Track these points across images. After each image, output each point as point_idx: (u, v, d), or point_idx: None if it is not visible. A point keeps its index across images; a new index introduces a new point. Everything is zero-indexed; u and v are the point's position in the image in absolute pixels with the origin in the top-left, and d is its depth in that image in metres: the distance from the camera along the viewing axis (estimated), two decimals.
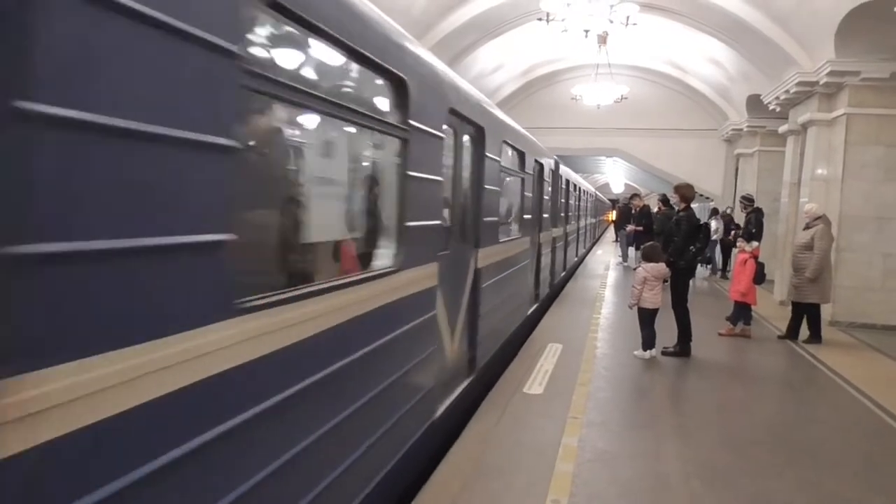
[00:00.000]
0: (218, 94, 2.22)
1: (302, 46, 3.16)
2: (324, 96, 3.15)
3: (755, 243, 10.59)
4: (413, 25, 11.98)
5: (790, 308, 10.29)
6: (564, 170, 14.90)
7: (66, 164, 1.66)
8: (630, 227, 18.93)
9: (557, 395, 6.67)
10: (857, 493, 4.81)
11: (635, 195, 19.64)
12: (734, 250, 10.92)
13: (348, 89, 3.81)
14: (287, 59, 3.10)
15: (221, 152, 2.24)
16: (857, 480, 5.03)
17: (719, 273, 18.47)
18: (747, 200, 14.93)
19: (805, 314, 9.97)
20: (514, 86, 22.19)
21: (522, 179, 8.97)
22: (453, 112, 5.26)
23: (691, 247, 8.59)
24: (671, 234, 8.73)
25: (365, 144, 4.40)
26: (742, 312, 10.21)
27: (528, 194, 9.47)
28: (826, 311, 11.67)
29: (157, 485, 1.99)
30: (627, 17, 12.71)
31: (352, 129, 3.91)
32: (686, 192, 8.90)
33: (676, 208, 9.10)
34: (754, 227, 14.00)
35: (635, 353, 8.48)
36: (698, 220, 8.96)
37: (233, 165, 2.30)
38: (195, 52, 2.10)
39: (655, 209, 17.46)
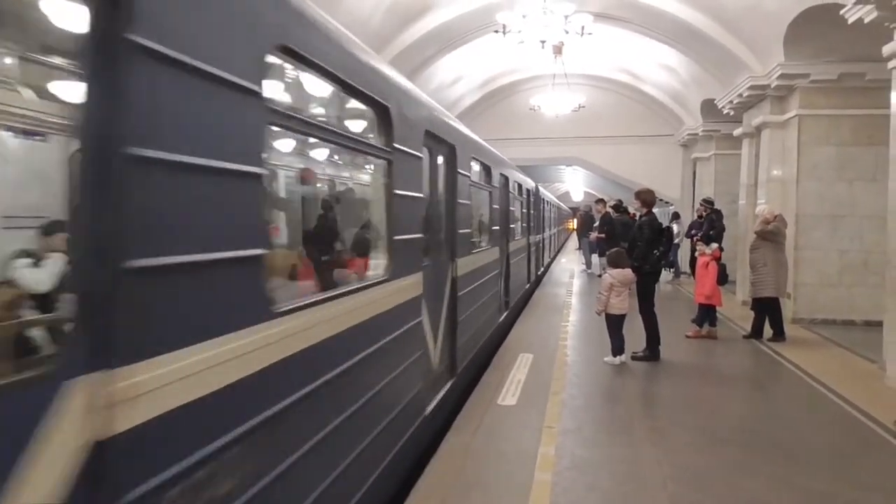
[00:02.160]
0: None
1: None
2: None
3: (714, 245, 10.75)
4: (372, 38, 11.96)
5: (752, 308, 10.49)
6: (526, 180, 14.99)
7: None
8: (593, 235, 19.09)
9: (531, 405, 6.66)
10: (831, 487, 4.87)
11: (601, 200, 19.75)
12: (696, 253, 11.06)
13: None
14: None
15: None
16: (829, 475, 5.11)
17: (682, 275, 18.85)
18: (707, 203, 15.20)
19: (766, 313, 10.16)
20: (473, 97, 22.28)
21: (490, 192, 9.10)
22: (428, 133, 5.54)
23: (655, 251, 8.68)
24: (635, 240, 8.82)
25: None
26: (707, 314, 10.35)
27: (496, 206, 9.59)
28: (788, 308, 11.90)
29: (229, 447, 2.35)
30: (582, 27, 12.85)
31: None
32: (647, 198, 9.01)
33: (639, 214, 9.20)
34: (711, 230, 14.23)
35: (605, 359, 8.52)
36: (660, 224, 9.07)
37: None
38: None
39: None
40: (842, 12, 8.69)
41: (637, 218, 10.41)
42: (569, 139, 23.03)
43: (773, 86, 12.27)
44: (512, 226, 11.80)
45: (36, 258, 2.52)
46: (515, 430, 5.94)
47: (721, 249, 10.83)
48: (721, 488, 4.80)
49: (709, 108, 17.19)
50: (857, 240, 11.82)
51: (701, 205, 15.61)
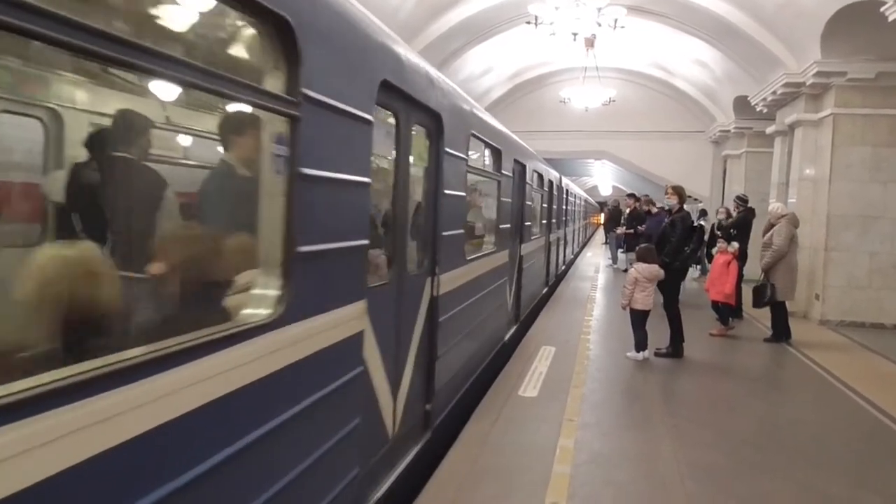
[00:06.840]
0: None
1: None
2: None
3: (736, 244, 10.61)
4: (401, 29, 11.98)
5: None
6: (550, 171, 14.68)
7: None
8: (620, 230, 18.94)
9: (552, 398, 6.68)
10: (851, 492, 4.83)
11: (632, 195, 19.56)
12: (713, 250, 10.82)
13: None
14: None
15: None
16: (851, 480, 5.06)
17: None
18: (741, 201, 15.00)
19: (780, 313, 10.04)
20: (502, 89, 22.21)
21: (499, 182, 7.96)
22: (388, 86, 3.85)
23: (686, 248, 8.62)
24: (667, 235, 8.76)
25: None
26: (724, 312, 10.30)
27: (506, 200, 8.37)
28: (816, 310, 11.78)
29: None
30: (615, 20, 12.77)
31: None
32: (682, 193, 8.94)
33: (669, 209, 9.13)
34: (734, 228, 13.97)
35: (628, 354, 8.49)
36: (692, 221, 9.00)
37: None
38: None
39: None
40: (882, 9, 8.53)
41: (658, 213, 10.30)
42: (598, 133, 22.90)
43: (808, 83, 12.08)
44: (528, 223, 11.40)
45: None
46: (535, 422, 5.97)
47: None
48: (739, 488, 4.79)
49: (741, 105, 16.95)
50: (888, 242, 11.63)
51: (734, 202, 15.37)
